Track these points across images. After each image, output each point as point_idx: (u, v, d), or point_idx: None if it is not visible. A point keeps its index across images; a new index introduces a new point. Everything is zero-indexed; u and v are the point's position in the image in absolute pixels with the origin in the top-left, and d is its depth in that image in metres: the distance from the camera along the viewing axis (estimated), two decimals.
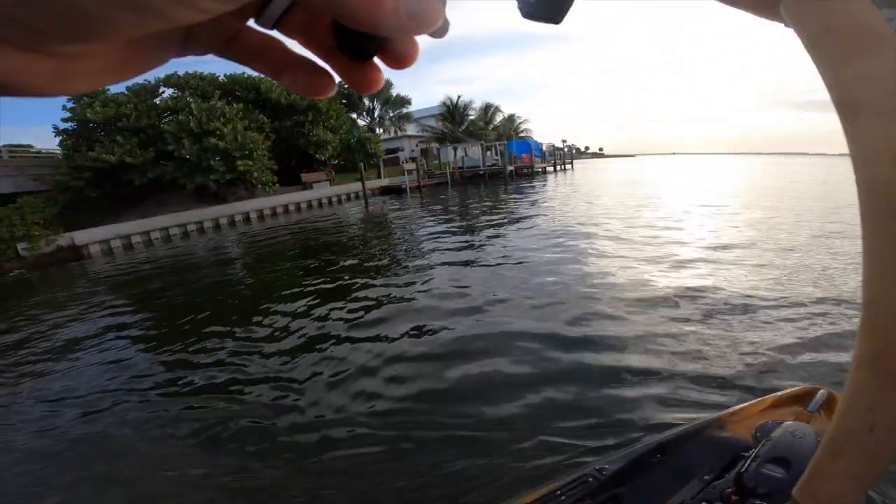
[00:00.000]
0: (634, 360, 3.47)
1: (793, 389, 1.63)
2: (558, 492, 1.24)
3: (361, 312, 5.28)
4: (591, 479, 1.27)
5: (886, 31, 0.25)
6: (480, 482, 2.36)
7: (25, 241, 14.01)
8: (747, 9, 0.37)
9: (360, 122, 38.86)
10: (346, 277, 7.08)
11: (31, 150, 22.02)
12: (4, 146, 19.09)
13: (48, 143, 18.67)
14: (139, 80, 21.77)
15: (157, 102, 20.50)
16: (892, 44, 0.26)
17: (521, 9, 0.40)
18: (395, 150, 40.51)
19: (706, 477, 1.18)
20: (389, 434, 2.88)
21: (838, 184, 17.78)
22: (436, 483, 2.40)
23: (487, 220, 11.74)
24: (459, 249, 8.22)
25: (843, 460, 0.45)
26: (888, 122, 0.27)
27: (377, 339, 4.48)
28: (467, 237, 9.58)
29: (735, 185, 20.49)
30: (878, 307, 0.36)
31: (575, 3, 0.38)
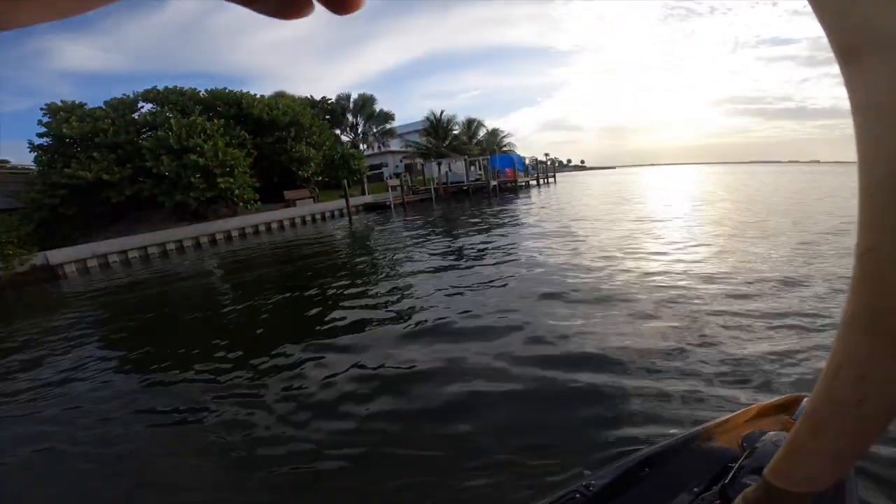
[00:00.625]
0: (619, 373, 3.48)
1: (779, 398, 1.64)
2: None
3: (341, 332, 5.22)
4: (578, 495, 1.24)
5: None
6: (465, 499, 2.35)
7: None
8: None
9: (344, 138, 38.92)
10: (328, 296, 6.99)
11: (7, 165, 21.55)
12: None
13: (24, 157, 18.30)
14: (117, 94, 21.55)
15: (136, 117, 20.22)
16: None
17: None
18: (379, 166, 40.58)
19: (695, 489, 1.17)
20: (369, 454, 2.84)
21: (812, 191, 18.27)
22: (415, 499, 2.39)
23: (471, 238, 11.76)
24: (443, 269, 8.20)
25: (824, 437, 0.41)
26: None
27: (357, 357, 4.43)
28: (452, 256, 9.57)
29: (713, 195, 20.94)
30: (876, 256, 0.32)
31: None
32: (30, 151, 18.67)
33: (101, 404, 4.27)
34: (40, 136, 18.55)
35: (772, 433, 1.31)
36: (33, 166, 19.17)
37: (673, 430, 2.61)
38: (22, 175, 19.23)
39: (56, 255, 14.59)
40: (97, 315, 8.61)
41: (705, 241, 8.72)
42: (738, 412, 1.58)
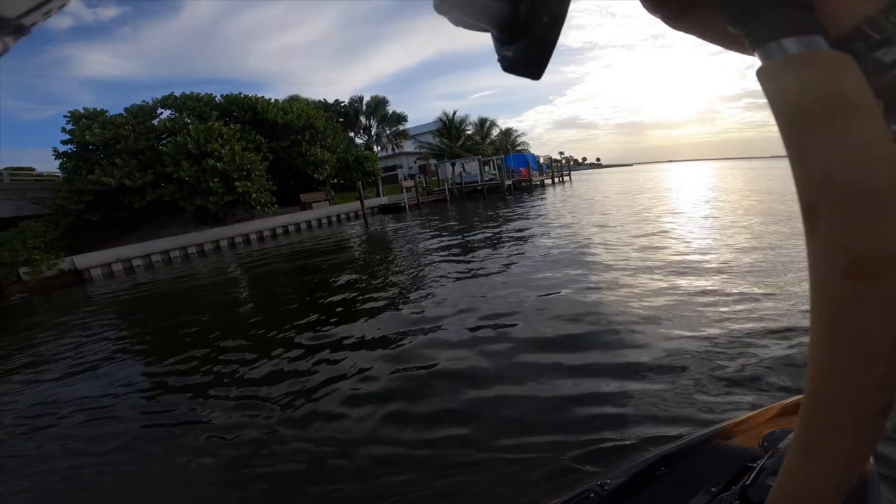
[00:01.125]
0: (637, 370, 3.50)
1: (801, 396, 1.63)
2: None
3: (363, 332, 5.33)
4: (592, 494, 1.21)
5: (870, 111, 0.21)
6: (480, 499, 2.38)
7: (27, 266, 14.07)
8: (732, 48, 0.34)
9: (358, 141, 39.22)
10: (344, 296, 7.13)
11: (33, 172, 22.18)
12: (6, 169, 19.21)
13: (50, 165, 18.86)
14: (137, 101, 22.06)
15: (155, 124, 20.65)
16: (873, 137, 0.21)
17: (501, 62, 0.41)
18: (394, 168, 40.85)
19: (713, 489, 1.13)
20: (393, 450, 2.89)
21: None
22: (433, 499, 2.42)
23: (487, 238, 11.82)
24: (461, 271, 8.28)
25: (824, 447, 0.34)
26: (843, 232, 0.22)
27: (379, 356, 4.52)
28: (468, 256, 9.64)
29: (731, 192, 20.66)
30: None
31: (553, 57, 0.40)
32: (55, 158, 19.19)
33: (110, 396, 4.46)
34: (64, 143, 19.07)
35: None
36: (58, 173, 19.73)
37: (691, 429, 2.60)
38: (48, 182, 19.77)
39: (82, 260, 15.03)
40: (121, 316, 8.89)
41: (731, 242, 8.66)
42: (759, 410, 1.55)
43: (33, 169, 23.25)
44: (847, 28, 0.22)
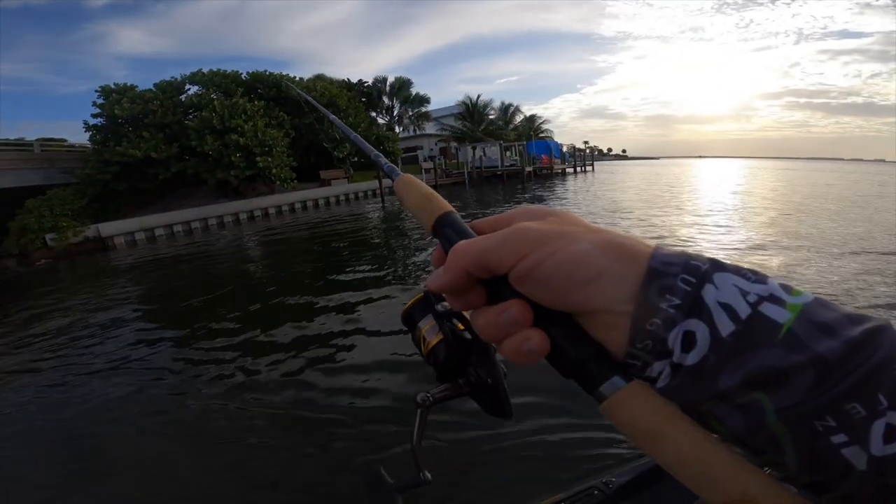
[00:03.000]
0: None
1: None
2: (561, 503, 1.18)
3: (370, 312, 5.40)
4: (596, 491, 1.19)
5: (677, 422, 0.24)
6: (481, 490, 2.41)
7: (54, 233, 14.58)
8: None
9: (380, 121, 39.21)
10: (358, 272, 7.23)
11: (65, 143, 22.87)
12: (37, 140, 19.84)
13: (82, 136, 19.42)
14: (167, 76, 22.49)
15: (183, 99, 21.05)
16: None
17: (482, 407, 0.52)
18: (414, 149, 40.75)
19: None
20: (399, 439, 2.86)
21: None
22: (437, 491, 2.42)
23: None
24: None
25: None
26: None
27: (392, 337, 4.47)
28: None
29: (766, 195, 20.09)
30: None
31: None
32: (85, 131, 19.79)
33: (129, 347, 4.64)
34: (94, 116, 19.62)
35: None
36: (88, 145, 20.30)
37: None
38: (79, 153, 20.35)
39: (107, 228, 15.49)
40: (138, 280, 9.18)
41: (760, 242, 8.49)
42: None
43: (65, 140, 23.96)
44: (622, 361, 0.25)
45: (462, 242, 0.29)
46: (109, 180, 18.09)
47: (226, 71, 23.20)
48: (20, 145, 19.40)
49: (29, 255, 14.15)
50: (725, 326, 0.23)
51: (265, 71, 24.33)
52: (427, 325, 0.55)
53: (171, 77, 21.83)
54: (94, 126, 19.67)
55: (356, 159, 27.56)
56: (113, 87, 20.06)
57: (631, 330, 0.24)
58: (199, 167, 19.06)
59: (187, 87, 21.99)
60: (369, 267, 7.65)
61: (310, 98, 0.90)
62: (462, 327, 0.54)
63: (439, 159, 30.64)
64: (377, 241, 11.02)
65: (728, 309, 0.23)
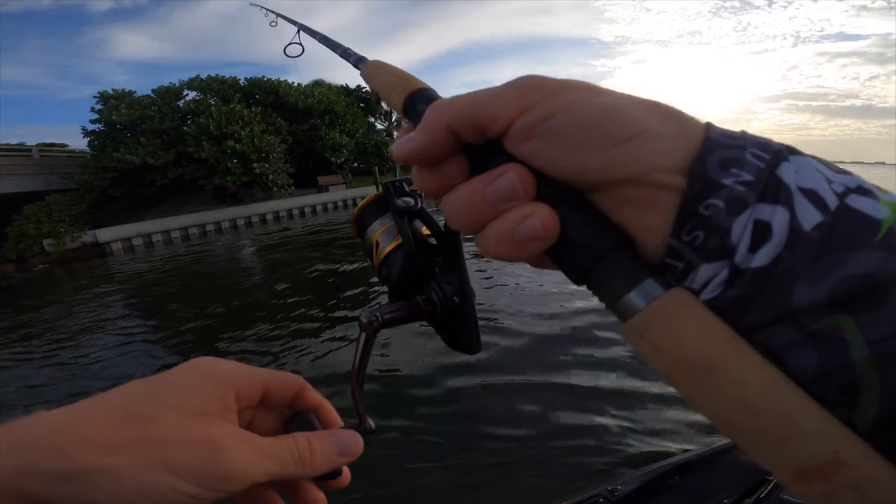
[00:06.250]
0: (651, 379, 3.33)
1: None
2: None
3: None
4: (601, 499, 1.16)
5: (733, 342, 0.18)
6: (484, 500, 2.42)
7: (51, 238, 14.65)
8: None
9: (378, 126, 39.24)
10: (356, 275, 7.28)
11: (65, 148, 22.96)
12: (37, 145, 19.92)
13: (83, 142, 19.46)
14: (167, 81, 22.62)
15: (181, 105, 21.14)
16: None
17: (444, 341, 0.43)
18: None
19: (725, 500, 1.08)
20: (404, 448, 2.89)
21: None
22: (437, 496, 2.47)
23: None
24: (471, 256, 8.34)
25: None
26: (767, 459, 0.19)
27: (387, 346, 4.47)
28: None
29: None
30: None
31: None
32: (83, 136, 19.88)
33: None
34: (93, 122, 19.70)
35: None
36: (88, 150, 20.38)
37: (707, 439, 2.52)
38: (79, 158, 20.43)
39: (104, 234, 15.57)
40: (135, 286, 9.23)
41: None
42: None
43: (66, 145, 24.04)
44: (658, 261, 0.20)
45: (445, 98, 0.23)
46: (107, 186, 18.14)
47: (224, 77, 23.28)
48: (19, 150, 19.50)
49: (27, 261, 14.23)
50: (810, 217, 0.17)
51: (263, 77, 24.48)
52: (382, 227, 0.45)
53: (170, 83, 21.96)
54: (93, 132, 19.75)
55: (355, 165, 27.65)
56: (111, 92, 20.17)
57: (679, 213, 0.18)
58: (196, 173, 19.12)
59: (185, 92, 22.07)
60: (370, 273, 7.69)
61: None
62: (428, 231, 0.43)
63: None
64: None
65: (812, 196, 0.18)
